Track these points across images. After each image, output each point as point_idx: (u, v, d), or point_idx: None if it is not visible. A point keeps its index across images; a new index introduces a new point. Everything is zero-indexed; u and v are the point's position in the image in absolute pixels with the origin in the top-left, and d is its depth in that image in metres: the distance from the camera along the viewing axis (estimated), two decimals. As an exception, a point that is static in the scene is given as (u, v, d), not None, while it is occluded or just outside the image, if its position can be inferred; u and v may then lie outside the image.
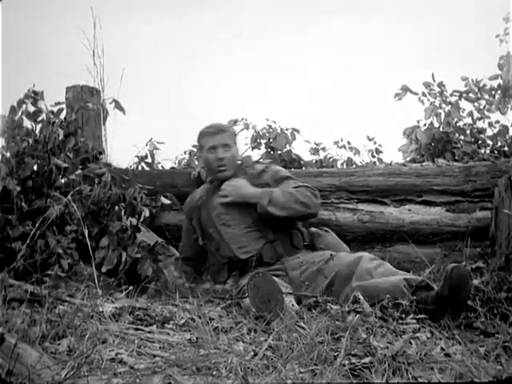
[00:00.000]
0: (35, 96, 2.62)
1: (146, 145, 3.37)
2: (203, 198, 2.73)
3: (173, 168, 3.61)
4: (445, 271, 2.02)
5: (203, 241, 2.69)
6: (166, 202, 2.88)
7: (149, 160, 3.40)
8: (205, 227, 2.68)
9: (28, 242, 2.12)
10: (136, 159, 3.41)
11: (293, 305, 2.07)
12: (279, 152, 3.72)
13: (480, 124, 3.80)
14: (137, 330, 1.79)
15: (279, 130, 3.79)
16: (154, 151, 3.37)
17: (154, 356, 1.55)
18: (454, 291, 1.96)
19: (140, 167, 3.42)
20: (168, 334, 1.79)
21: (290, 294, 2.20)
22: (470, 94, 3.78)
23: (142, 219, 2.65)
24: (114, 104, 3.00)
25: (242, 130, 3.75)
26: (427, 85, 3.84)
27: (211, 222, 2.64)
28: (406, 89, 3.89)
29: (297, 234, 2.61)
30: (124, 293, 2.24)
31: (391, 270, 2.29)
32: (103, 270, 2.40)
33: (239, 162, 2.77)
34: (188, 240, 2.77)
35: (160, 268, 2.59)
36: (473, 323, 1.98)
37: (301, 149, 3.90)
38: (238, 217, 2.59)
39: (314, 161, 3.90)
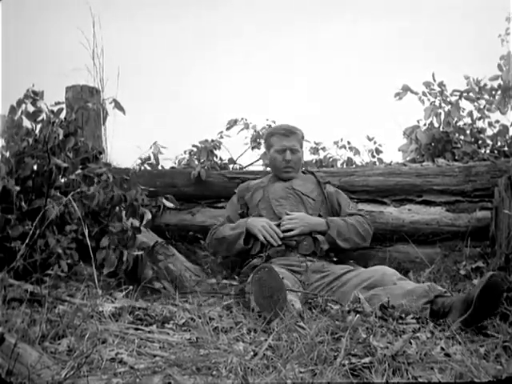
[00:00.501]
0: (35, 96, 2.61)
1: (151, 148, 3.39)
2: (264, 182, 2.92)
3: (173, 168, 3.61)
4: (484, 276, 1.99)
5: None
6: (169, 204, 2.88)
7: (152, 161, 3.41)
8: (254, 206, 2.83)
9: (28, 241, 2.12)
10: (139, 161, 3.43)
11: (293, 304, 2.07)
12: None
13: (480, 124, 3.79)
14: (137, 329, 1.79)
15: (279, 130, 3.78)
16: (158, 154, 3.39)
17: (154, 356, 1.55)
18: (484, 296, 1.93)
19: (142, 169, 3.43)
20: (168, 333, 1.79)
21: (293, 291, 2.20)
22: (471, 94, 3.78)
23: (144, 222, 2.64)
24: (113, 104, 3.00)
25: (242, 129, 3.74)
26: (427, 84, 3.84)
27: (266, 203, 2.81)
28: (406, 88, 3.89)
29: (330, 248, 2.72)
30: (124, 292, 2.24)
31: (414, 283, 2.31)
32: (104, 271, 2.40)
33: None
34: (231, 211, 2.91)
35: (165, 265, 2.59)
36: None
37: (300, 148, 3.89)
38: (294, 205, 2.76)
39: (313, 161, 3.90)
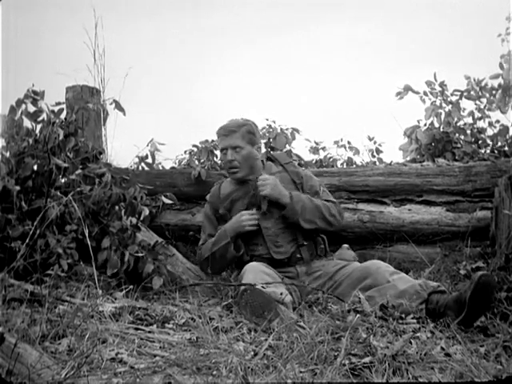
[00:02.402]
0: (35, 96, 2.62)
1: (147, 145, 3.37)
2: (236, 192, 2.68)
3: (173, 168, 3.62)
4: (473, 276, 2.00)
5: None
6: (167, 201, 2.88)
7: (149, 160, 3.40)
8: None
9: (28, 241, 2.12)
10: (136, 159, 3.42)
11: (286, 304, 2.08)
12: (279, 152, 3.71)
13: (480, 124, 3.80)
14: (137, 329, 1.79)
15: (279, 130, 3.79)
16: (155, 152, 3.37)
17: (154, 356, 1.55)
18: (475, 297, 1.94)
19: (140, 167, 3.43)
20: (168, 333, 1.79)
21: (278, 283, 2.19)
22: (472, 93, 3.78)
23: (141, 218, 2.65)
24: (114, 104, 3.00)
25: (242, 129, 3.74)
26: (429, 84, 3.84)
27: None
28: (407, 88, 3.89)
29: (320, 242, 2.63)
30: (124, 292, 2.24)
31: (408, 277, 2.30)
32: (108, 273, 2.41)
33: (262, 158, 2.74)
34: (211, 229, 2.71)
35: (163, 264, 2.59)
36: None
37: (301, 148, 3.91)
38: (275, 216, 2.57)
39: (313, 160, 3.90)
